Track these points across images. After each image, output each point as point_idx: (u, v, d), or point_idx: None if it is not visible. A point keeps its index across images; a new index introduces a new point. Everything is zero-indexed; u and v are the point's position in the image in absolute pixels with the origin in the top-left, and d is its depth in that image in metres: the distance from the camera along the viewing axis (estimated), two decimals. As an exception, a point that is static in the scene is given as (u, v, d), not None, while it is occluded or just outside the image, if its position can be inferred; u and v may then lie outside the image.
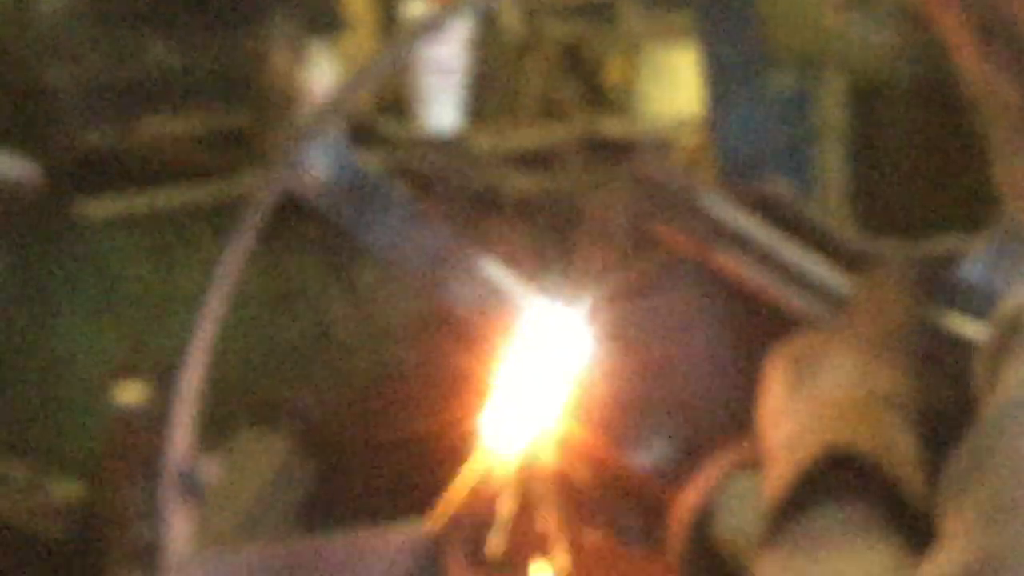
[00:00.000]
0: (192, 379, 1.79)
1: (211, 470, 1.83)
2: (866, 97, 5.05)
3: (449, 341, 1.82)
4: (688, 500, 1.79)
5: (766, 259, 1.80)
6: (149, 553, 1.83)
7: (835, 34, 4.59)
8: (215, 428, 1.85)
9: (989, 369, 1.27)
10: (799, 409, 1.63)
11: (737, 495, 1.75)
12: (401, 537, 1.85)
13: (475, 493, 1.80)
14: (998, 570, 1.23)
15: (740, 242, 1.81)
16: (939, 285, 1.73)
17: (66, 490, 4.80)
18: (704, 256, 1.82)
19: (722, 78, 1.99)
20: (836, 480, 1.56)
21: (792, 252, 1.80)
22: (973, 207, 1.74)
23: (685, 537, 1.78)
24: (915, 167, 4.98)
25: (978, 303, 1.68)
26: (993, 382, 1.26)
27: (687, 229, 1.82)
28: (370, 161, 1.83)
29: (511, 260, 1.83)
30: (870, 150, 5.13)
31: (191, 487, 1.81)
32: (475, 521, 1.81)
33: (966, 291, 1.72)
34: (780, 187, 1.89)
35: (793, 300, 1.79)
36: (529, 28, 5.46)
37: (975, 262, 1.73)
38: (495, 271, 1.81)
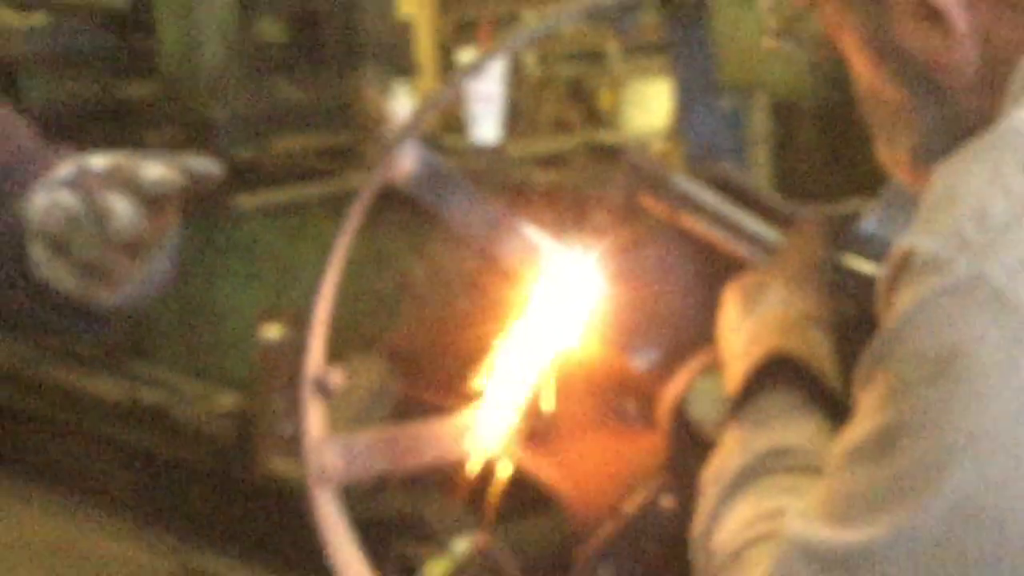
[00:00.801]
0: (321, 313, 1.79)
1: (336, 378, 1.82)
2: (786, 110, 5.04)
3: (498, 288, 1.82)
4: (671, 392, 1.78)
5: (720, 220, 1.80)
6: (293, 441, 1.83)
7: (763, 62, 4.57)
8: (333, 354, 1.84)
9: (885, 295, 1.26)
10: (748, 326, 1.62)
11: (705, 388, 1.75)
12: (461, 423, 1.85)
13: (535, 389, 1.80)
14: (894, 434, 1.22)
15: (701, 209, 1.80)
16: (846, 235, 1.72)
17: (228, 400, 4.79)
18: (676, 219, 1.81)
19: (687, 98, 1.99)
20: (777, 376, 1.56)
21: (739, 215, 1.80)
22: (867, 184, 1.73)
23: (669, 418, 1.78)
24: (823, 159, 4.96)
25: (875, 248, 1.67)
26: (888, 304, 1.25)
27: (664, 200, 1.82)
28: (441, 160, 1.82)
29: (541, 231, 1.83)
30: (789, 149, 5.11)
31: (323, 388, 1.81)
32: (534, 410, 1.81)
33: (866, 239, 1.70)
34: (729, 169, 1.89)
35: (740, 249, 1.78)
36: (544, 69, 5.45)
37: (871, 217, 1.72)
38: (532, 234, 1.81)
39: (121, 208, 1.49)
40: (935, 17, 1.30)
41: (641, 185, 1.81)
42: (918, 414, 1.20)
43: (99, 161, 1.53)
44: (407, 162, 1.78)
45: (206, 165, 1.52)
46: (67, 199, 1.51)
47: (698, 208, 1.79)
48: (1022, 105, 1.26)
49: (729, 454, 1.50)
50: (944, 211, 1.22)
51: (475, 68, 1.91)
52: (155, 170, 1.49)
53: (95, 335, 1.73)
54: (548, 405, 1.78)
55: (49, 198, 1.52)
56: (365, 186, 1.76)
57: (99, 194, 1.50)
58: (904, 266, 1.23)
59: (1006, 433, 1.16)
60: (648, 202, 1.81)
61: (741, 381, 1.57)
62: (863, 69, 1.38)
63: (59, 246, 1.52)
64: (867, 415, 1.24)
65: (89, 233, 1.50)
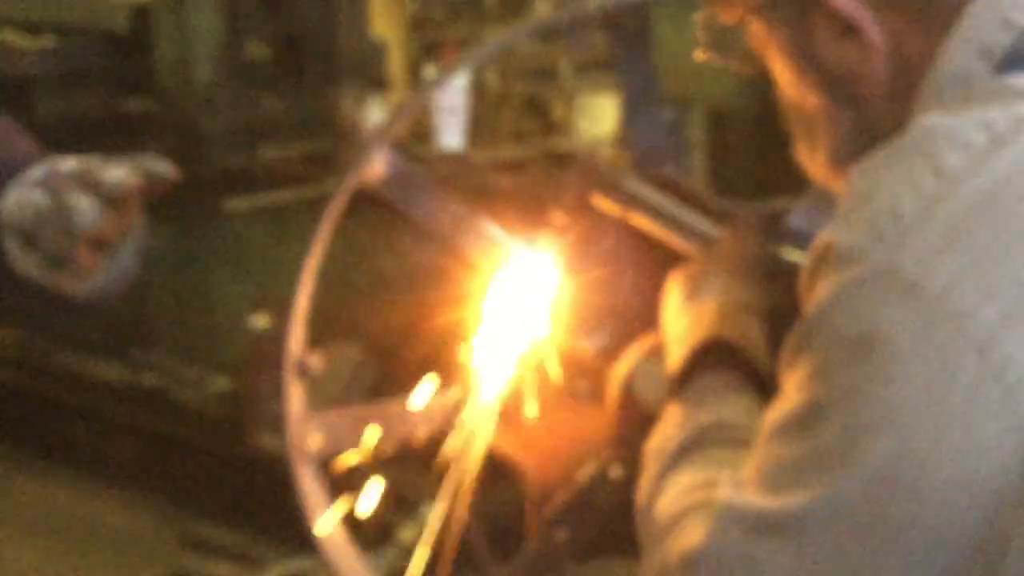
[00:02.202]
0: (302, 303, 1.78)
1: (315, 362, 1.81)
2: (720, 119, 5.06)
3: (464, 279, 1.81)
4: (619, 372, 1.77)
5: (664, 217, 1.79)
6: (279, 419, 1.82)
7: (699, 77, 4.57)
8: (313, 340, 1.83)
9: (807, 284, 1.26)
10: (689, 313, 1.62)
11: (649, 369, 1.74)
12: (440, 400, 1.84)
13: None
14: (817, 411, 1.22)
15: (648, 207, 1.79)
16: (776, 230, 1.72)
17: (221, 383, 4.78)
18: (626, 217, 1.80)
19: (632, 109, 1.98)
20: (714, 358, 1.56)
21: (681, 212, 1.79)
22: (794, 184, 1.72)
23: (617, 396, 1.77)
24: (753, 161, 4.98)
25: (802, 241, 1.67)
26: (810, 292, 1.24)
27: (615, 199, 1.81)
28: (409, 164, 1.81)
29: (502, 228, 1.82)
30: (722, 153, 5.13)
31: (303, 371, 1.80)
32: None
33: (794, 233, 1.70)
34: (670, 172, 1.88)
35: (683, 243, 1.77)
36: (503, 84, 5.44)
37: (798, 213, 1.72)
38: (492, 231, 1.80)
39: (84, 205, 1.52)
40: (852, 32, 1.30)
41: (593, 186, 1.80)
42: (839, 392, 1.19)
43: (67, 164, 1.56)
44: (378, 166, 1.77)
45: (162, 168, 1.55)
46: (36, 196, 1.54)
47: (645, 206, 1.78)
48: (931, 110, 1.26)
49: (670, 429, 1.49)
50: (861, 208, 1.22)
51: (440, 81, 1.91)
52: (116, 173, 1.52)
53: (65, 323, 1.75)
54: (553, 376, 1.76)
55: (21, 195, 1.55)
56: (339, 188, 1.75)
57: (66, 193, 1.53)
58: (825, 257, 1.22)
59: (919, 408, 1.16)
60: (599, 201, 1.80)
61: (681, 363, 1.56)
62: (787, 80, 1.38)
63: (29, 239, 1.54)
64: (793, 393, 1.24)
65: (55, 228, 1.53)
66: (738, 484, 1.26)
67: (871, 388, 1.17)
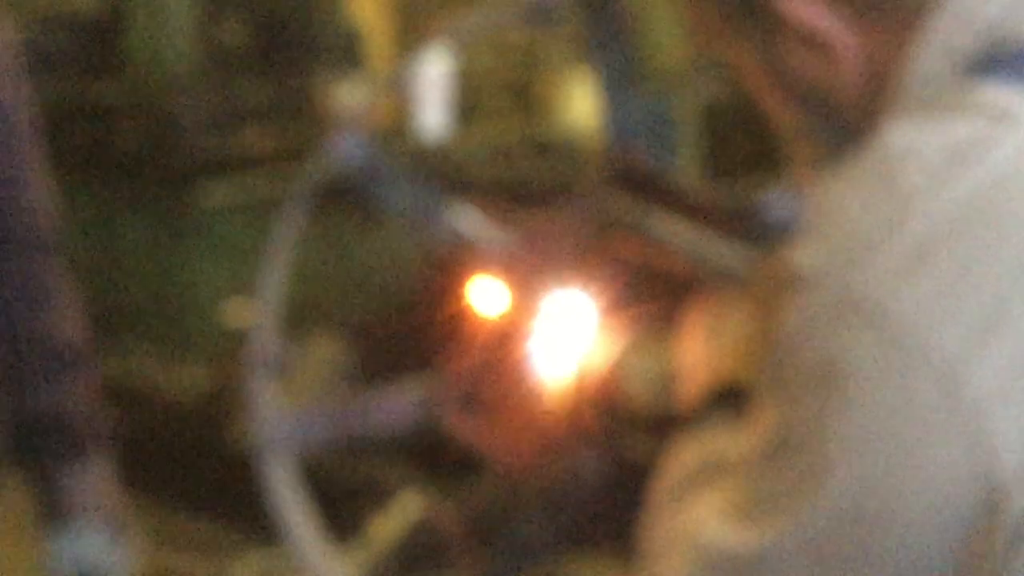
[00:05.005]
0: (271, 295, 1.78)
1: (289, 354, 1.81)
2: (712, 110, 5.07)
3: (438, 268, 1.81)
4: (599, 365, 1.77)
5: (683, 250, 1.74)
6: (249, 412, 1.82)
7: (691, 63, 4.58)
8: (294, 333, 1.83)
9: (763, 307, 1.24)
10: (710, 355, 1.59)
11: (635, 363, 1.73)
12: (412, 392, 1.84)
13: (464, 359, 1.78)
14: (781, 443, 1.21)
15: (667, 243, 1.75)
16: (751, 224, 1.71)
17: (201, 375, 4.78)
18: (644, 257, 1.77)
19: (608, 93, 1.98)
20: (722, 398, 1.54)
21: (701, 243, 1.75)
22: (776, 173, 1.72)
23: (598, 389, 1.76)
24: (747, 142, 4.99)
25: (775, 234, 1.66)
26: (770, 319, 1.22)
27: (633, 240, 1.76)
28: (379, 152, 1.81)
29: (482, 218, 1.81)
30: (716, 136, 5.13)
31: (277, 364, 1.80)
32: (465, 378, 1.79)
33: (773, 225, 1.70)
34: (645, 161, 1.87)
35: (703, 274, 1.73)
36: (485, 66, 5.44)
37: (772, 208, 1.71)
38: (466, 221, 1.80)
39: None
40: (820, 45, 1.30)
41: (608, 225, 1.76)
42: (800, 423, 1.19)
43: None
44: (345, 153, 1.77)
45: None
46: None
47: (667, 244, 1.73)
48: (895, 119, 1.26)
49: (677, 463, 1.49)
50: (819, 230, 1.21)
51: (410, 63, 1.90)
52: None
53: None
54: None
55: None
56: (304, 176, 1.74)
57: None
58: (784, 280, 1.21)
59: (876, 437, 1.16)
60: (616, 243, 1.76)
61: (694, 404, 1.54)
62: (761, 94, 1.38)
63: None
64: (762, 424, 1.23)
65: None
66: (713, 516, 1.27)
67: (828, 418, 1.17)
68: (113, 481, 2.47)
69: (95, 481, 2.43)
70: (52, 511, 2.33)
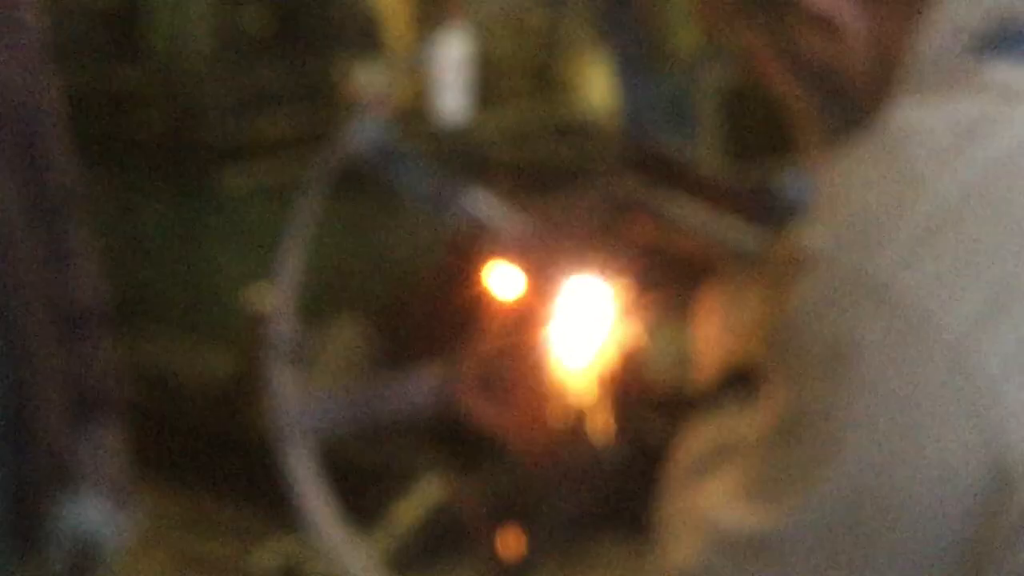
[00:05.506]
0: (288, 281, 1.78)
1: (309, 340, 1.81)
2: (730, 92, 5.05)
3: (456, 252, 1.82)
4: (616, 346, 1.78)
5: (700, 233, 1.75)
6: (269, 396, 1.83)
7: (708, 46, 4.57)
8: (317, 316, 1.83)
9: (775, 288, 1.23)
10: (726, 337, 1.60)
11: (657, 346, 1.74)
12: (431, 376, 1.84)
13: (482, 343, 1.79)
14: (790, 425, 1.21)
15: (684, 227, 1.76)
16: (768, 206, 1.71)
17: (222, 360, 4.79)
18: (662, 240, 1.78)
19: (623, 75, 1.98)
20: (738, 379, 1.55)
21: (718, 225, 1.75)
22: (790, 154, 1.72)
23: (618, 370, 1.77)
24: (759, 128, 4.97)
25: (792, 216, 1.66)
26: (783, 291, 1.21)
27: (650, 224, 1.77)
28: (399, 139, 1.82)
29: (499, 202, 1.81)
30: (732, 127, 5.13)
31: (297, 349, 1.81)
32: (483, 362, 1.80)
33: (787, 209, 1.70)
34: (660, 144, 1.87)
35: (720, 255, 1.74)
36: (506, 48, 5.43)
37: (789, 190, 1.71)
38: (482, 205, 1.81)
39: None
40: (829, 25, 1.31)
41: (624, 211, 1.76)
42: (810, 403, 1.19)
43: None
44: (363, 137, 1.77)
45: None
46: None
47: (684, 228, 1.74)
48: (904, 99, 1.26)
49: (693, 443, 1.50)
50: (828, 211, 1.21)
51: (429, 47, 1.90)
52: None
53: None
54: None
55: None
56: (320, 161, 1.75)
57: None
58: (793, 261, 1.21)
59: (886, 416, 1.16)
60: (633, 227, 1.76)
61: (709, 386, 1.55)
62: (771, 76, 1.39)
63: None
64: (772, 404, 1.24)
65: None
66: (726, 497, 1.28)
67: (837, 400, 1.17)
68: (121, 452, 2.41)
69: (102, 449, 2.40)
70: (55, 475, 2.29)
